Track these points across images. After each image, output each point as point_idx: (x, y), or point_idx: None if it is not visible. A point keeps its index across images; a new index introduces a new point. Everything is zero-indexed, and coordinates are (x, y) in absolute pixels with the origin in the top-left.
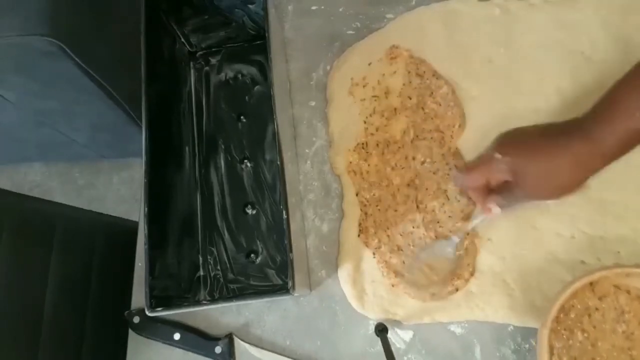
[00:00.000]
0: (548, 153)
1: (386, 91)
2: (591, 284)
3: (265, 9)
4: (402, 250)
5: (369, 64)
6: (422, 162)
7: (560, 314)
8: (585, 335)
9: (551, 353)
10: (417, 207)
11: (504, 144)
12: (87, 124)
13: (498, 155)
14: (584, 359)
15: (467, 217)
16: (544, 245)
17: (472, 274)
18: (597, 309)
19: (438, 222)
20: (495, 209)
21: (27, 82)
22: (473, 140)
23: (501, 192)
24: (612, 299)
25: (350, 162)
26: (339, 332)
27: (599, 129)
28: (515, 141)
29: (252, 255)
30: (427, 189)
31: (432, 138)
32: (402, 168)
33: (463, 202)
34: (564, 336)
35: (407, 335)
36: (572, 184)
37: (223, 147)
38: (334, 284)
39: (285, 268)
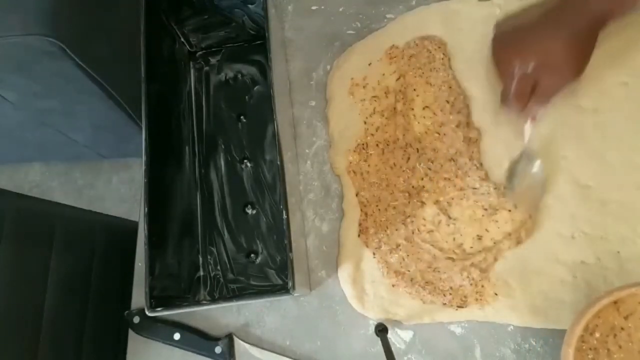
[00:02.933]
0: (549, 42)
1: (386, 91)
2: (615, 302)
3: (265, 9)
4: (402, 250)
5: (369, 64)
6: (420, 163)
7: (584, 333)
8: (612, 356)
9: None
10: (422, 205)
11: (506, 52)
12: (87, 124)
13: (517, 68)
14: None
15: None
16: (544, 245)
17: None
18: (622, 328)
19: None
20: (539, 115)
21: (28, 82)
22: None
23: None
24: (638, 318)
25: (350, 162)
26: (339, 332)
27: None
28: (517, 45)
29: (252, 255)
30: (426, 189)
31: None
32: (402, 168)
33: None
34: (589, 356)
35: (407, 335)
36: (587, 53)
37: (223, 147)
38: (334, 284)
39: (285, 268)
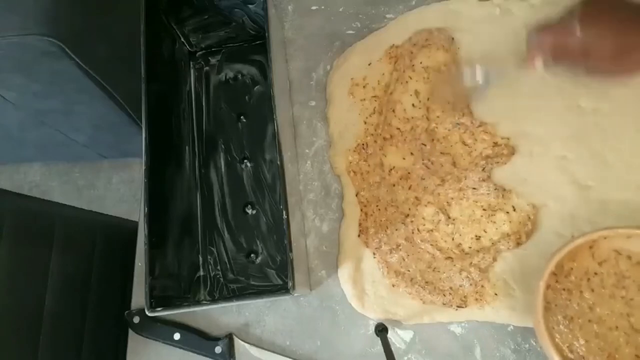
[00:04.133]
0: (627, 31)
1: (386, 91)
2: (591, 247)
3: (265, 9)
4: (402, 249)
5: (369, 64)
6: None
7: (558, 274)
8: (584, 298)
9: (547, 309)
10: (419, 203)
11: (587, 15)
12: (87, 124)
13: (578, 31)
14: (580, 320)
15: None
16: (544, 246)
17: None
18: (596, 273)
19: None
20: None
21: (27, 82)
22: None
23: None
24: (612, 264)
25: (350, 162)
26: (339, 332)
27: None
28: (600, 15)
29: (252, 255)
30: (425, 187)
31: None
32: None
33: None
34: (563, 296)
35: (407, 335)
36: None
37: (223, 147)
38: (334, 284)
39: (285, 268)
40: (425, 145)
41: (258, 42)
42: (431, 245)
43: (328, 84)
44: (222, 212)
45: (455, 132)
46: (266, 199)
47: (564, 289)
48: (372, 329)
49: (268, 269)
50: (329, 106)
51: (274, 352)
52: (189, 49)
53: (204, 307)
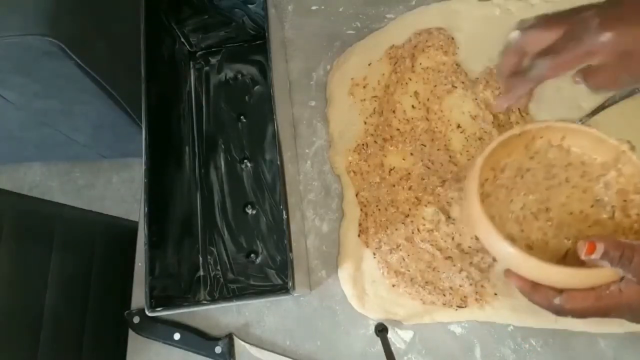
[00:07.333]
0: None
1: (386, 91)
2: (526, 146)
3: (265, 9)
4: (402, 250)
5: (369, 64)
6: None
7: (496, 170)
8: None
9: (486, 201)
10: (419, 203)
11: (611, 17)
12: (87, 124)
13: (603, 37)
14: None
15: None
16: None
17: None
18: (528, 169)
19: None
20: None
21: (27, 82)
22: None
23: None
24: (542, 155)
25: (350, 162)
26: (339, 332)
27: None
28: (626, 13)
29: (252, 255)
30: (425, 188)
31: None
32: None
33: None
34: (502, 192)
35: (407, 335)
36: None
37: (223, 147)
38: (334, 284)
39: (285, 268)
40: (424, 145)
41: (258, 42)
42: (431, 245)
43: (328, 84)
44: (222, 212)
45: (458, 132)
46: (266, 199)
47: (501, 185)
48: (372, 329)
49: (268, 269)
50: (329, 106)
51: (274, 352)
52: (189, 49)
53: (204, 307)
